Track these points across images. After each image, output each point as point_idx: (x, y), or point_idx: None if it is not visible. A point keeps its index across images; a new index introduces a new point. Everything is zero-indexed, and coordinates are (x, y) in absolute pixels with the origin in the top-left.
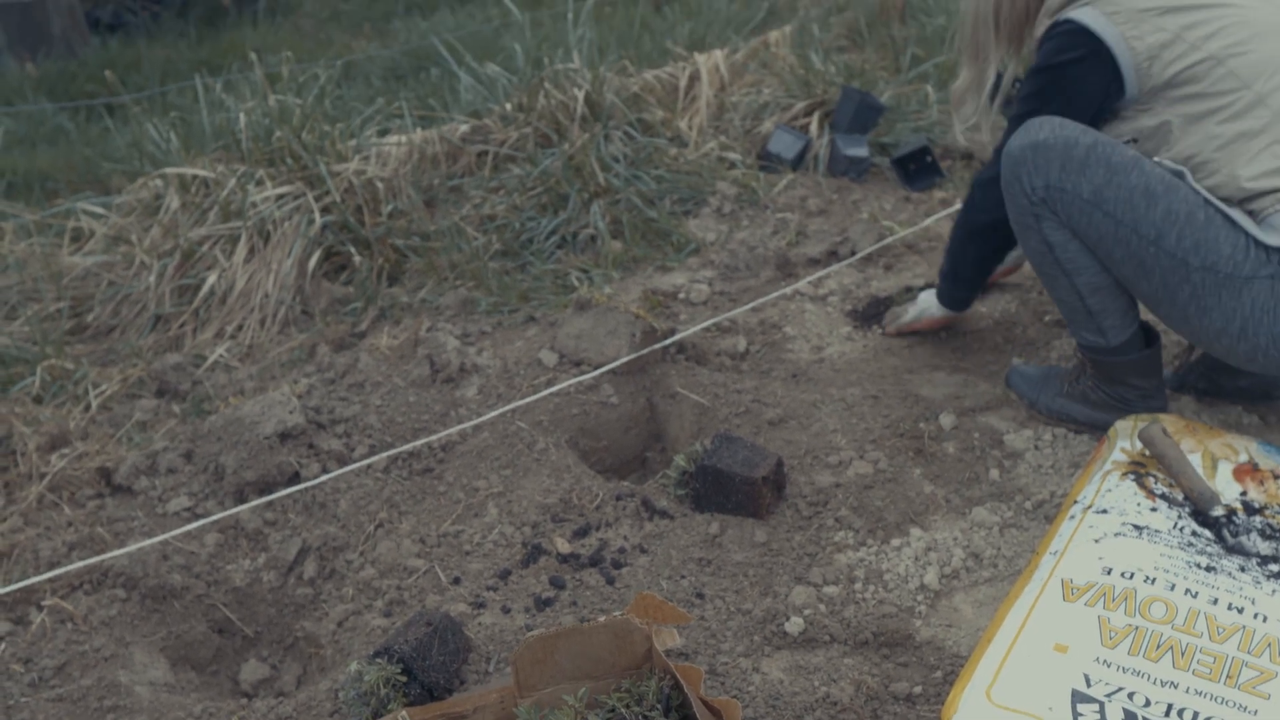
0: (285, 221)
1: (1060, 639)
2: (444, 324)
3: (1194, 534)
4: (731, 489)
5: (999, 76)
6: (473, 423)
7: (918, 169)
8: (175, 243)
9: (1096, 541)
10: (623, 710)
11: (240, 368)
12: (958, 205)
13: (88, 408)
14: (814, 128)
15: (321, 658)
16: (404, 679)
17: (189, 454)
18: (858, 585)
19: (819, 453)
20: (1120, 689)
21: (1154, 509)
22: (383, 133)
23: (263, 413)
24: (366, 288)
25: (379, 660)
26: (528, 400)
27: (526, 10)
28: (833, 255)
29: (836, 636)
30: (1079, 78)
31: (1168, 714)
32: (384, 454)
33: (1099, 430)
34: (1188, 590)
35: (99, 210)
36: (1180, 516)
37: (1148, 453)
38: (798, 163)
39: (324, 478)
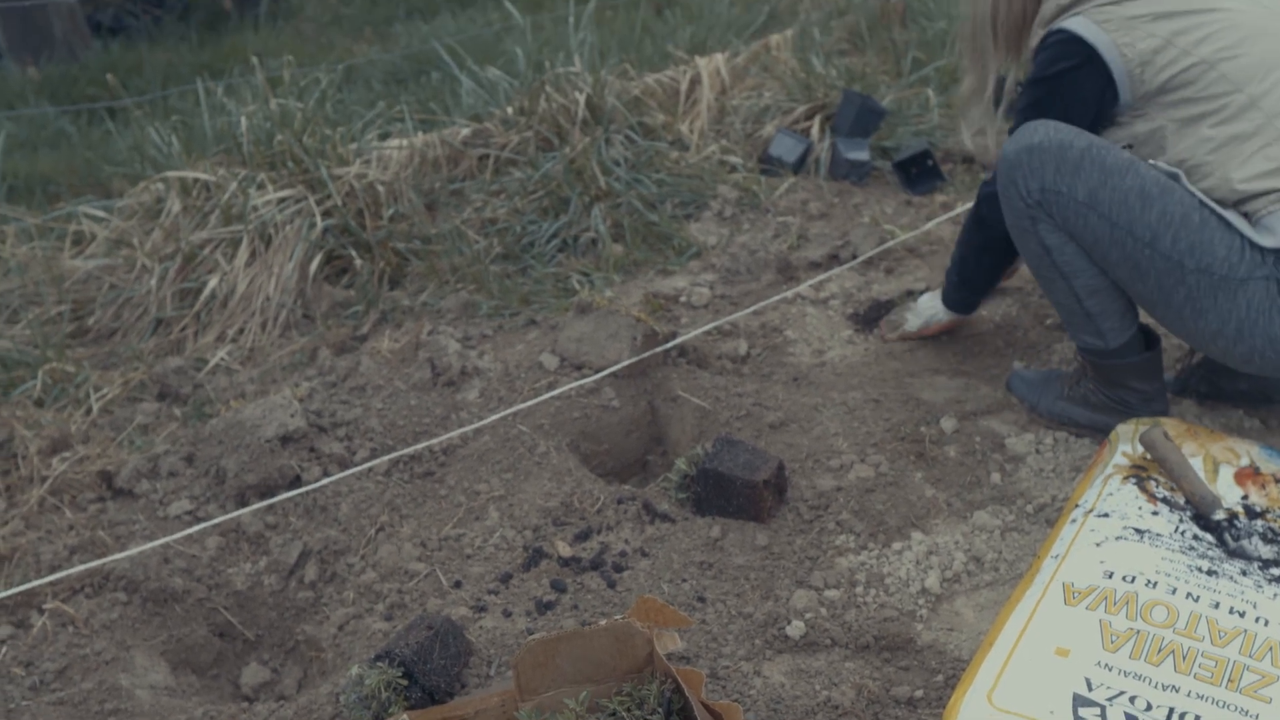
0: (286, 225)
1: (1062, 643)
2: (445, 327)
3: (1195, 538)
4: (733, 492)
5: (1002, 81)
6: (474, 426)
7: (919, 172)
8: (176, 246)
9: (1098, 545)
10: (624, 714)
11: (241, 371)
12: (959, 209)
13: (89, 411)
14: (815, 131)
15: (322, 661)
16: (405, 683)
17: (190, 457)
18: (859, 589)
19: (820, 456)
20: (1122, 693)
21: (1155, 513)
22: (384, 136)
23: (264, 416)
24: (368, 291)
25: (380, 664)
26: (529, 403)
27: (527, 14)
28: (834, 259)
29: (838, 640)
30: (1074, 86)
31: (1169, 718)
32: (385, 457)
33: (1100, 434)
34: (1189, 594)
35: (100, 214)
36: (1182, 520)
37: (1149, 456)
38: (799, 166)
39: (325, 481)
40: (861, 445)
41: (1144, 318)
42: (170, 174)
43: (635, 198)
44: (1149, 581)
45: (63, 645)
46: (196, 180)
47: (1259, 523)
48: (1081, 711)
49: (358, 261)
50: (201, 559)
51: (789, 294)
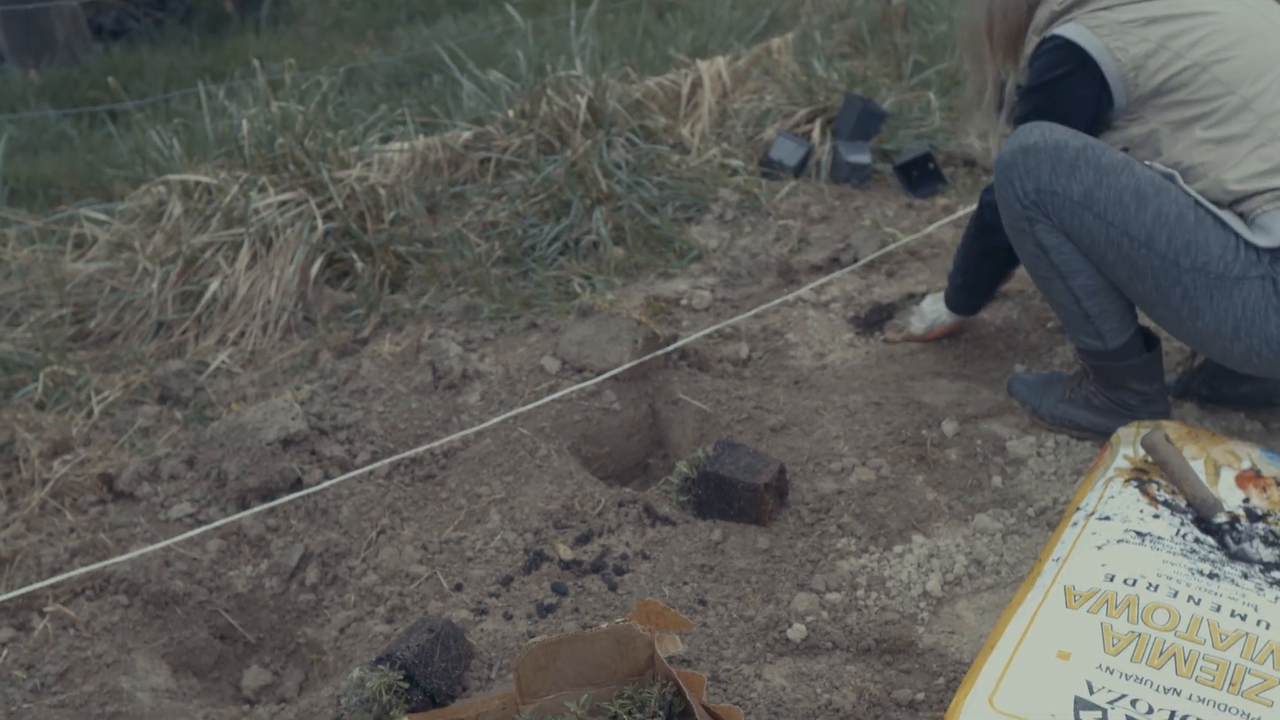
0: (288, 228)
1: (1063, 646)
2: (446, 330)
3: (1197, 541)
4: (734, 495)
5: (1003, 86)
6: (475, 429)
7: (920, 175)
8: (178, 249)
9: (1099, 548)
10: (625, 717)
11: (242, 374)
12: (960, 212)
13: (90, 414)
14: (816, 134)
15: (323, 664)
16: (406, 685)
17: (191, 460)
18: (860, 592)
19: (821, 459)
20: (1123, 696)
21: (1157, 516)
22: (385, 140)
23: (265, 419)
24: (369, 294)
25: (381, 667)
26: (530, 406)
27: (529, 17)
28: (835, 262)
29: (839, 643)
30: (1070, 91)
31: None
32: (386, 460)
33: (1101, 436)
34: (1190, 597)
35: (102, 217)
36: (1183, 523)
37: (1150, 459)
38: (800, 169)
39: (326, 484)
40: (863, 448)
41: (1143, 319)
42: (172, 177)
43: (636, 201)
44: (1150, 585)
45: (64, 648)
46: (198, 183)
47: (1260, 526)
48: (1083, 714)
49: (359, 264)
50: (202, 562)
51: (790, 297)
